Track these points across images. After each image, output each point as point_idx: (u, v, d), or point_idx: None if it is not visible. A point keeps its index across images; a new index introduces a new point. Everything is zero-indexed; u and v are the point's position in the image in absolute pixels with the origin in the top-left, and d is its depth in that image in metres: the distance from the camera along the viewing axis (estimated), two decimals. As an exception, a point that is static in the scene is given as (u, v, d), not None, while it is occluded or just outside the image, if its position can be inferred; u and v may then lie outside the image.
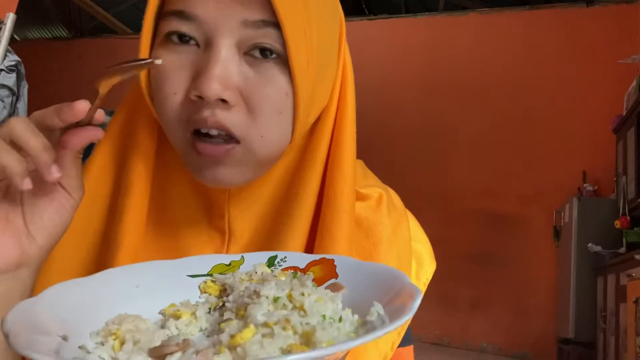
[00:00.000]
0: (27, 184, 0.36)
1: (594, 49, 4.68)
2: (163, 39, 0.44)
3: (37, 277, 0.42)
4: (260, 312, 0.33)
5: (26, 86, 3.30)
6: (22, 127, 0.37)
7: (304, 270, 0.42)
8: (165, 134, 0.47)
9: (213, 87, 0.41)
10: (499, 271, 4.63)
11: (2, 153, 0.36)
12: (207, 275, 0.42)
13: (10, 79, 3.12)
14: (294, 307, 0.34)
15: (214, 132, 0.43)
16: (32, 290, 0.41)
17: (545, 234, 4.51)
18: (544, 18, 5.00)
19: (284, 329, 0.31)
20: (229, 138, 0.44)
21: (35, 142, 0.36)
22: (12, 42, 2.79)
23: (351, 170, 0.51)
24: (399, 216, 0.55)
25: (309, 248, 0.50)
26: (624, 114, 3.66)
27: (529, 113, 4.81)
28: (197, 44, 0.44)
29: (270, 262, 0.43)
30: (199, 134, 0.44)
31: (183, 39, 0.43)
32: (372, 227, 0.53)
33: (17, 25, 2.62)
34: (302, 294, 0.35)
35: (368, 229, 0.53)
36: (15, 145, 0.36)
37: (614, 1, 4.79)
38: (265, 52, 0.43)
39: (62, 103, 0.38)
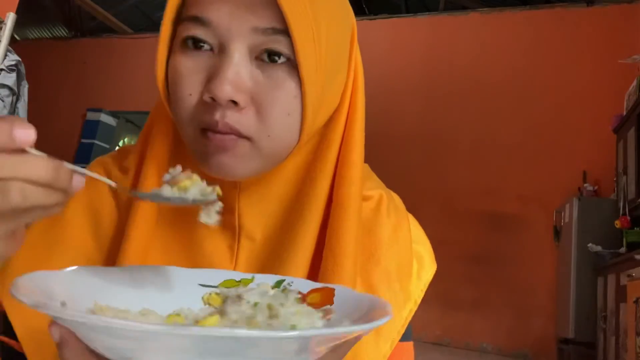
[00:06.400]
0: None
1: (594, 49, 4.68)
2: (180, 43, 0.47)
3: (51, 256, 0.50)
4: (235, 310, 0.37)
5: (26, 86, 3.30)
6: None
7: (305, 295, 0.43)
8: (179, 133, 0.50)
9: (225, 90, 0.43)
10: (499, 271, 4.62)
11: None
12: (216, 287, 0.45)
13: (10, 79, 3.12)
14: (271, 315, 0.37)
15: (224, 131, 0.46)
16: None
17: (545, 234, 4.50)
18: (544, 18, 5.01)
19: (248, 324, 0.35)
20: (238, 136, 0.46)
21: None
22: (12, 42, 2.79)
23: (359, 173, 0.52)
24: (399, 217, 0.57)
25: (318, 247, 0.51)
26: (624, 113, 3.67)
27: (529, 113, 4.81)
28: (212, 49, 0.46)
29: (277, 285, 0.45)
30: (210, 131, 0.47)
31: (198, 44, 0.46)
32: (374, 227, 0.54)
33: (17, 25, 2.63)
34: (281, 304, 0.37)
35: (370, 229, 0.54)
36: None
37: (614, 1, 4.79)
38: (274, 56, 0.45)
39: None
